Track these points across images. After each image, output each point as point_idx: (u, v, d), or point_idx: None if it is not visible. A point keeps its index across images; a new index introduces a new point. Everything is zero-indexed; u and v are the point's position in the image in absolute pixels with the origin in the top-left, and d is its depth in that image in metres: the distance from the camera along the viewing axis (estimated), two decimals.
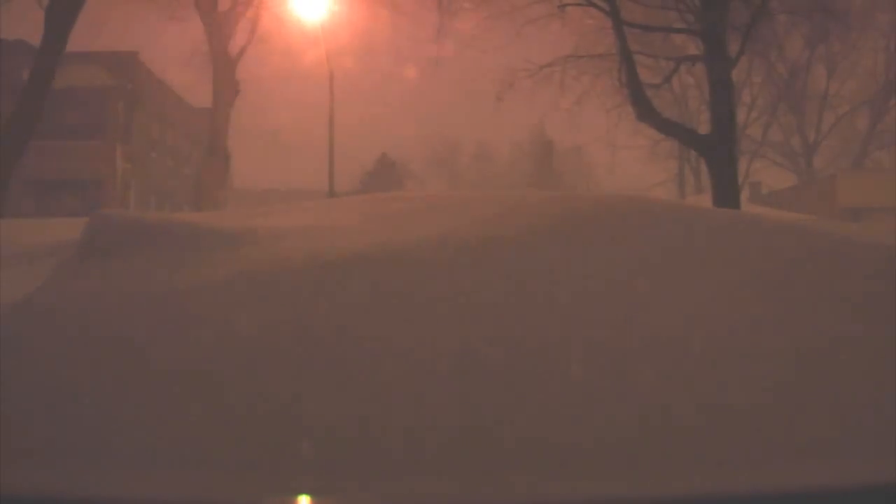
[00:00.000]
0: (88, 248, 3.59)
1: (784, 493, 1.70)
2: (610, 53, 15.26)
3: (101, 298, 3.08)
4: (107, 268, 3.34)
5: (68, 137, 24.39)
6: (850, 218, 17.91)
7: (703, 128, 17.75)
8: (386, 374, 2.53)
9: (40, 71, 12.30)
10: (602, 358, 2.62)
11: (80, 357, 2.70)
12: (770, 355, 2.67)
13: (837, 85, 28.67)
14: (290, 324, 2.81)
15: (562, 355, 2.65)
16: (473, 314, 2.87)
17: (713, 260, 3.36)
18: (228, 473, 2.08)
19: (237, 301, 2.98)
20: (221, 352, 2.66)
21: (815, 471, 1.96)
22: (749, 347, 2.71)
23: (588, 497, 1.79)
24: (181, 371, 2.57)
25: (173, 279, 3.17)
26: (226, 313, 2.89)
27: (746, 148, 27.07)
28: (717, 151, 13.16)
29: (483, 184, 42.05)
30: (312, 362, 2.61)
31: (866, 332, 2.81)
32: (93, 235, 3.67)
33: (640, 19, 15.22)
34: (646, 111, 14.11)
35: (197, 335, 2.77)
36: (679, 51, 17.38)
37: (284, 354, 2.64)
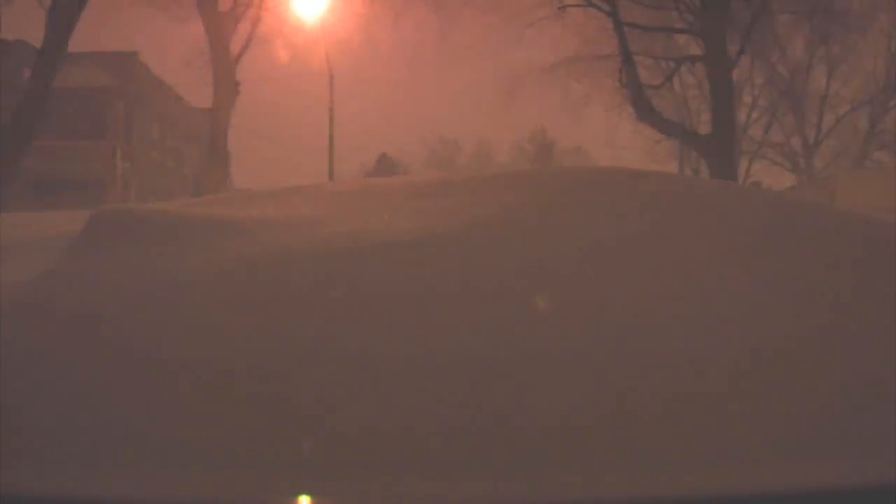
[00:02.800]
0: (89, 240, 3.57)
1: (784, 494, 1.70)
2: (610, 54, 15.28)
3: (100, 292, 3.07)
4: (108, 260, 3.33)
5: (68, 137, 24.38)
6: None
7: (703, 128, 17.77)
8: (385, 371, 2.53)
9: (41, 71, 12.29)
10: (599, 356, 2.62)
11: (78, 353, 2.70)
12: (769, 350, 2.66)
13: (838, 85, 28.65)
14: (290, 317, 2.80)
15: (560, 349, 2.64)
16: (471, 308, 2.86)
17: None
18: (228, 473, 2.08)
19: (237, 295, 2.98)
20: (220, 348, 2.65)
21: (815, 471, 1.96)
22: (751, 345, 2.71)
23: (588, 497, 1.79)
24: (179, 369, 2.57)
25: (175, 271, 3.16)
26: (227, 307, 2.88)
27: (746, 148, 27.04)
28: (717, 151, 13.17)
29: None
30: (313, 358, 2.61)
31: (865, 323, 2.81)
32: (95, 228, 3.65)
33: (640, 20, 15.25)
34: (646, 111, 14.13)
35: (194, 330, 2.77)
36: (679, 51, 17.40)
37: (285, 350, 2.64)
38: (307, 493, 1.75)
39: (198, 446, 2.24)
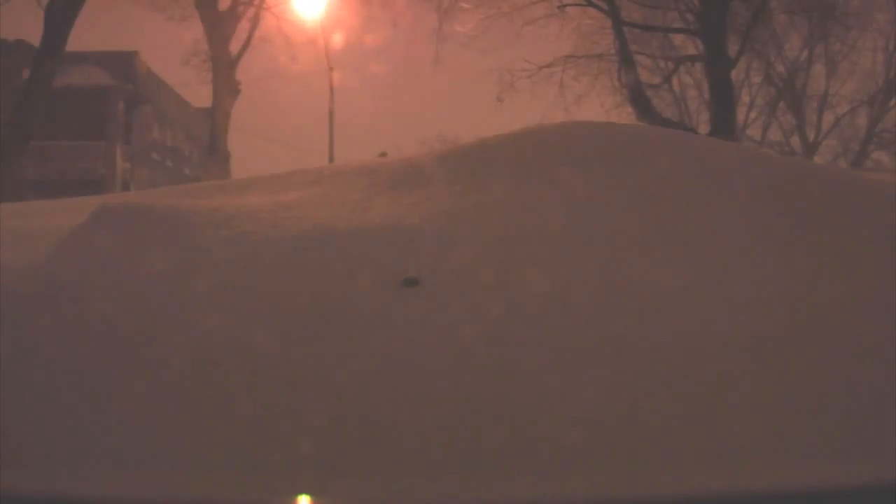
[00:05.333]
0: (91, 233, 3.56)
1: (784, 493, 1.70)
2: (609, 53, 15.29)
3: (100, 287, 3.06)
4: (110, 253, 3.32)
5: (68, 137, 24.35)
6: None
7: (703, 128, 17.74)
8: (386, 370, 2.53)
9: (40, 71, 12.29)
10: (599, 355, 2.62)
11: (76, 354, 2.69)
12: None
13: (837, 85, 28.61)
14: (289, 314, 2.80)
15: (561, 347, 2.64)
16: (471, 305, 2.86)
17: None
18: (228, 473, 2.08)
19: (236, 292, 2.97)
20: (219, 347, 2.65)
21: (815, 471, 1.96)
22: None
23: (589, 497, 1.79)
24: (178, 369, 2.57)
25: (175, 267, 3.15)
26: (226, 304, 2.88)
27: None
28: None
29: None
30: (314, 357, 2.60)
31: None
32: (98, 222, 3.64)
33: (639, 19, 15.25)
34: (645, 111, 14.13)
35: (192, 330, 2.76)
36: (679, 51, 17.38)
37: (284, 349, 2.64)
38: (307, 493, 1.75)
39: (198, 446, 2.24)
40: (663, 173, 3.81)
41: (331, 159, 22.36)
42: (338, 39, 22.73)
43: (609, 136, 4.48)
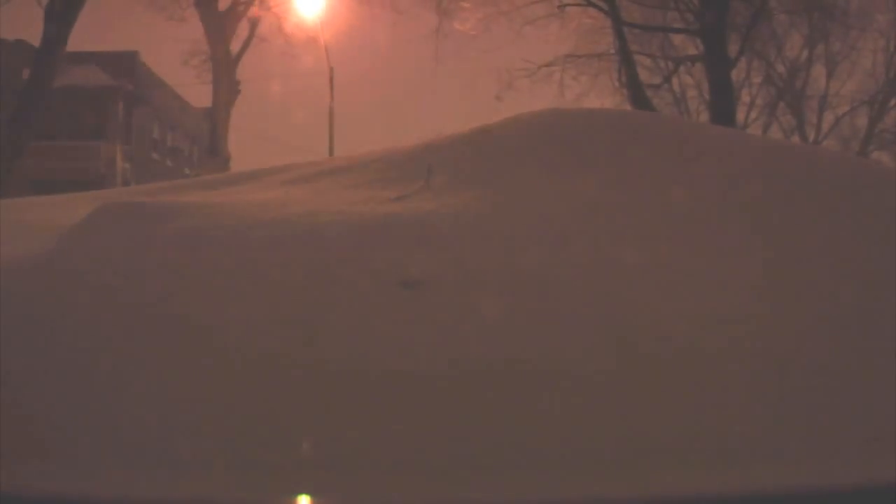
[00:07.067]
0: (91, 228, 3.56)
1: (784, 493, 1.70)
2: (609, 53, 15.30)
3: (99, 286, 3.05)
4: (109, 250, 3.31)
5: (68, 137, 24.37)
6: None
7: None
8: (386, 370, 2.53)
9: (40, 71, 12.30)
10: (599, 356, 2.62)
11: (75, 355, 2.69)
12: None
13: (837, 85, 28.59)
14: (286, 314, 2.80)
15: (560, 348, 2.64)
16: (468, 303, 2.86)
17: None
18: (228, 473, 2.08)
19: (235, 290, 2.96)
20: (219, 347, 2.65)
21: (815, 471, 1.96)
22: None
23: (589, 497, 1.79)
24: (177, 369, 2.57)
25: (172, 267, 3.15)
26: (225, 303, 2.88)
27: None
28: None
29: None
30: (313, 357, 2.60)
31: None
32: (99, 217, 3.63)
33: (639, 19, 15.25)
34: (646, 111, 14.13)
35: (191, 330, 2.76)
36: (679, 51, 17.39)
37: (284, 349, 2.64)
38: (307, 493, 1.75)
39: (198, 446, 2.24)
40: (660, 158, 3.81)
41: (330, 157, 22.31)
42: (338, 39, 22.71)
43: (595, 121, 4.49)
